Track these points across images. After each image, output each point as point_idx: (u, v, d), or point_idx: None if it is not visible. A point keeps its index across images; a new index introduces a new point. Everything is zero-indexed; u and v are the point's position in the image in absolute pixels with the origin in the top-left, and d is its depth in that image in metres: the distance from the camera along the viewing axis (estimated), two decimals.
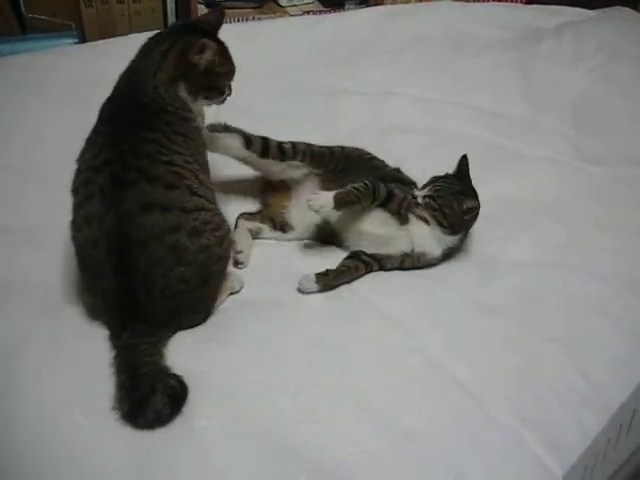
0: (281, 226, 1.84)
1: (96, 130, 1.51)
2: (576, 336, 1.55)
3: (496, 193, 1.85)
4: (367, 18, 2.95)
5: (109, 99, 1.55)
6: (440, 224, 1.68)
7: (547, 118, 2.47)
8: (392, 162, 1.96)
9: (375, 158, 1.94)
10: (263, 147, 1.79)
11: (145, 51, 1.58)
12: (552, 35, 2.85)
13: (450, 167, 2.08)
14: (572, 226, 1.89)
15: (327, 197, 1.62)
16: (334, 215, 1.68)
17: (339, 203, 1.62)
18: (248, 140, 1.79)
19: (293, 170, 1.84)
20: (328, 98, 2.45)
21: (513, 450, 1.32)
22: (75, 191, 1.45)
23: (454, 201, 1.67)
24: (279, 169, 1.84)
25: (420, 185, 1.86)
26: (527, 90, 2.60)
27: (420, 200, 1.69)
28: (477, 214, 1.71)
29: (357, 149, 1.95)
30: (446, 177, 1.75)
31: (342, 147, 1.93)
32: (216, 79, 1.60)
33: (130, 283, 1.38)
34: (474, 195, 1.72)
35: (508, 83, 2.63)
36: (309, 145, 1.86)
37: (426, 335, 1.51)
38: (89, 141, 1.49)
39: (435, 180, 1.73)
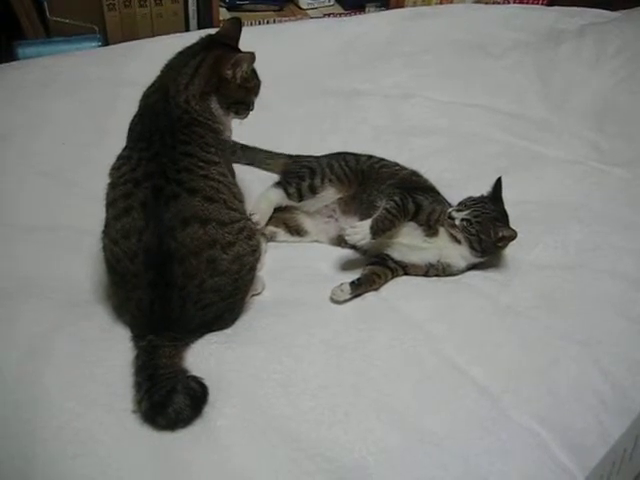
0: (296, 230, 1.86)
1: (130, 145, 1.52)
2: (597, 338, 1.54)
3: (517, 195, 1.85)
4: (387, 21, 2.96)
5: (138, 115, 1.56)
6: (473, 248, 1.69)
7: (568, 120, 2.46)
8: (412, 163, 1.96)
9: (385, 165, 1.93)
10: (298, 193, 1.85)
11: (173, 67, 1.59)
12: (573, 37, 2.83)
13: (470, 169, 2.07)
14: (593, 228, 1.88)
15: (364, 229, 1.61)
16: (372, 243, 1.66)
17: (376, 233, 1.61)
18: (287, 191, 1.85)
19: (322, 199, 1.87)
20: (348, 100, 2.46)
21: (533, 452, 1.32)
22: (111, 204, 1.45)
23: (491, 228, 1.67)
24: (313, 202, 1.87)
25: (438, 188, 1.87)
26: (548, 92, 2.59)
27: (457, 222, 1.68)
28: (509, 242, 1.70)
29: (367, 159, 1.94)
30: (483, 201, 1.74)
31: (356, 159, 1.92)
32: (246, 94, 1.62)
33: (165, 296, 1.39)
34: (507, 220, 1.72)
35: (529, 85, 2.63)
36: (332, 169, 1.88)
37: (446, 337, 1.52)
38: (123, 156, 1.50)
39: (473, 203, 1.72)
